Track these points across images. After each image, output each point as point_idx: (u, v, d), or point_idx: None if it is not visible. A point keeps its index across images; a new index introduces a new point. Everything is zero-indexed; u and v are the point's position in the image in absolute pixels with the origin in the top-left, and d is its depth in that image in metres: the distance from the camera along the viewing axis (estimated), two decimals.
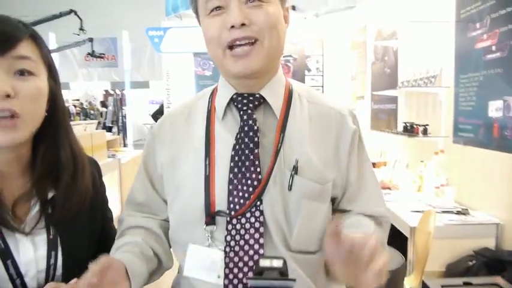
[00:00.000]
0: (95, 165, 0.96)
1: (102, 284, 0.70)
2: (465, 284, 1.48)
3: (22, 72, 0.75)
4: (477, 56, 2.42)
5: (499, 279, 1.69)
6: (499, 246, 2.28)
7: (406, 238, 2.34)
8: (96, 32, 8.50)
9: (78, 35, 7.88)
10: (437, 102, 2.98)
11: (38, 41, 0.80)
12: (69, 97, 11.97)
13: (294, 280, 0.50)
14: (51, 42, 10.23)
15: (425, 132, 3.00)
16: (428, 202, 2.69)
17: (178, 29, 5.86)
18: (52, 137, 0.82)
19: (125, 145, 8.67)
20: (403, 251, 2.14)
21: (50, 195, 0.82)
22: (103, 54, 9.55)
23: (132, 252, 0.86)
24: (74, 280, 0.73)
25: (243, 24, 0.81)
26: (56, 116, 0.83)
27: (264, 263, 0.52)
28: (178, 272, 0.98)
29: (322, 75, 5.88)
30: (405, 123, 3.26)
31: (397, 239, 2.27)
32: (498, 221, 2.31)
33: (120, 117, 11.28)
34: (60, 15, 7.49)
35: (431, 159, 2.94)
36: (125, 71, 10.90)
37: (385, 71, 4.08)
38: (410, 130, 3.14)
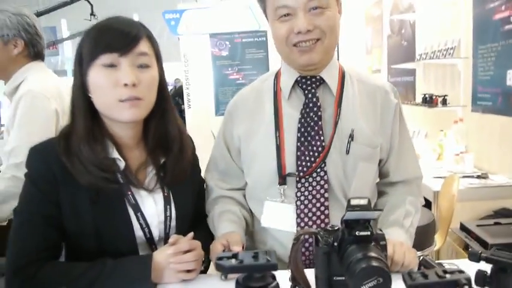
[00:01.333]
0: (190, 139, 1.16)
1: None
2: (495, 223, 1.68)
3: (142, 66, 0.94)
4: (495, 27, 2.54)
5: None
6: None
7: (430, 202, 2.51)
8: (107, 16, 8.63)
9: (90, 20, 8.01)
10: (455, 72, 3.10)
11: (151, 39, 0.99)
12: None
13: (381, 210, 0.68)
14: (64, 29, 10.40)
15: (444, 102, 3.13)
16: (449, 169, 2.85)
17: (194, 10, 5.96)
18: (161, 115, 1.02)
19: None
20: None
21: (162, 161, 1.02)
22: None
23: (235, 222, 1.11)
24: (191, 234, 0.93)
25: (308, 30, 1.01)
26: (164, 98, 1.02)
27: (354, 201, 0.71)
28: (254, 226, 1.19)
29: (338, 50, 5.94)
30: (424, 94, 3.38)
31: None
32: None
33: None
34: (71, 1, 7.62)
35: (450, 128, 3.08)
36: None
37: (402, 43, 4.18)
38: (429, 101, 3.28)
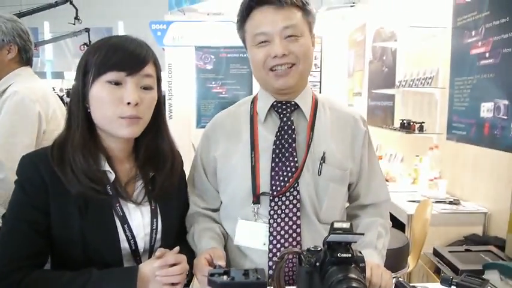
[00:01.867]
0: (179, 155, 1.18)
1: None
2: (466, 250, 1.76)
3: (145, 87, 0.98)
4: (471, 61, 2.67)
5: (492, 248, 1.97)
6: (486, 232, 2.54)
7: (403, 225, 2.59)
8: (91, 21, 8.57)
9: (74, 24, 7.93)
10: (433, 101, 3.22)
11: (156, 62, 1.03)
12: (63, 86, 12.03)
13: (362, 234, 0.72)
14: (46, 32, 10.27)
15: (421, 129, 3.25)
16: (423, 193, 2.95)
17: (181, 23, 6.02)
18: (155, 131, 1.04)
19: None
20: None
21: (151, 175, 1.04)
22: None
23: (216, 240, 1.14)
24: (177, 248, 0.95)
25: (284, 55, 1.08)
26: (160, 116, 1.05)
27: (337, 224, 0.75)
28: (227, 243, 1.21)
29: (320, 71, 6.10)
30: (402, 120, 3.50)
31: (396, 226, 2.52)
32: (486, 211, 2.57)
33: None
34: (56, 4, 7.55)
35: (426, 154, 3.19)
36: None
37: (383, 69, 4.32)
38: (407, 127, 3.39)
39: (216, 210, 1.24)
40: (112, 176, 0.99)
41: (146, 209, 1.04)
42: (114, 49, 0.95)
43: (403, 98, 3.84)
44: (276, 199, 1.10)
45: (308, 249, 0.79)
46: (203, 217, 1.21)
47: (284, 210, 1.10)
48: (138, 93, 0.96)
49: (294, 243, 1.09)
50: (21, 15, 6.95)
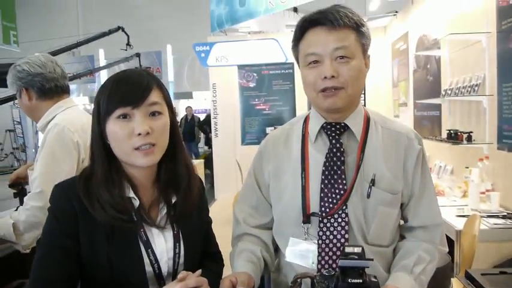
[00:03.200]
0: (199, 179, 1.22)
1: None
2: (501, 272, 1.64)
3: (154, 113, 1.02)
4: None
5: None
6: None
7: (452, 241, 2.46)
8: (141, 46, 9.02)
9: (126, 50, 8.39)
10: (480, 109, 3.07)
11: (161, 87, 1.07)
12: None
13: (371, 259, 0.71)
14: (101, 58, 10.95)
15: (469, 139, 3.09)
16: (473, 207, 2.79)
17: (223, 43, 6.20)
18: (171, 156, 1.09)
19: None
20: (451, 254, 2.27)
21: (173, 200, 1.09)
22: (149, 67, 10.02)
23: (252, 263, 1.15)
24: (199, 271, 0.98)
25: (332, 76, 1.08)
26: (174, 140, 1.09)
27: (348, 249, 0.75)
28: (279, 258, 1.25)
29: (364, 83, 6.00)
30: (449, 130, 3.35)
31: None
32: None
33: None
34: (109, 32, 8.04)
35: (476, 166, 3.03)
36: (169, 82, 11.45)
37: (428, 78, 4.18)
38: (454, 137, 3.24)
39: (268, 226, 1.26)
40: (136, 203, 1.05)
41: (169, 234, 1.08)
42: (116, 87, 1.01)
43: (450, 107, 3.68)
44: (325, 220, 1.11)
45: (321, 274, 0.79)
46: (250, 237, 1.23)
47: (332, 231, 1.11)
48: (147, 121, 1.00)
49: None
50: (78, 44, 7.49)
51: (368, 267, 0.75)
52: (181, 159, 1.11)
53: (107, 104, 1.00)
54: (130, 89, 1.00)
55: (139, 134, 0.98)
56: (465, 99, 3.28)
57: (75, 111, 1.81)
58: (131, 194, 1.04)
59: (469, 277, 1.58)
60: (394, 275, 1.09)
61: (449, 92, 3.48)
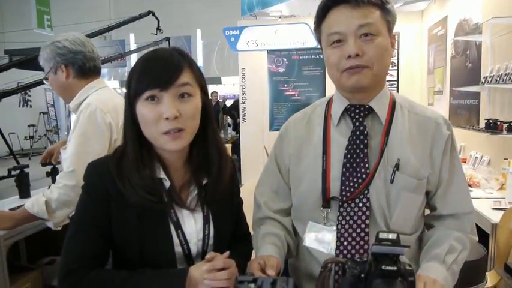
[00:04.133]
0: (231, 161, 1.20)
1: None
2: None
3: (184, 95, 0.99)
4: None
5: None
6: None
7: (487, 234, 2.35)
8: (171, 31, 9.06)
9: (156, 34, 8.46)
10: None
11: (193, 67, 1.03)
12: None
13: (408, 246, 0.67)
14: (131, 43, 11.09)
15: (510, 129, 2.94)
16: (511, 200, 2.65)
17: (253, 27, 6.13)
18: (203, 138, 1.07)
19: None
20: (484, 247, 2.17)
21: (204, 182, 1.08)
22: None
23: (277, 247, 1.13)
24: (227, 253, 0.97)
25: (357, 55, 1.03)
26: (207, 122, 1.07)
27: (383, 235, 0.70)
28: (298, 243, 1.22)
29: (398, 70, 5.81)
30: (488, 119, 3.20)
31: (478, 236, 2.30)
32: None
33: None
34: (140, 16, 8.11)
35: None
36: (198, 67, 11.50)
37: (467, 65, 3.99)
38: (493, 127, 3.09)
39: (288, 212, 1.23)
40: (167, 184, 1.04)
41: (199, 215, 1.08)
42: (146, 67, 0.99)
43: (490, 95, 3.51)
44: (345, 205, 1.08)
45: (352, 260, 0.75)
46: (272, 221, 1.21)
47: (353, 216, 1.07)
48: (176, 104, 0.97)
49: (361, 250, 1.05)
50: (109, 29, 7.60)
51: (403, 254, 0.70)
52: (212, 142, 1.08)
53: (136, 85, 0.99)
54: (160, 69, 0.98)
55: (167, 119, 0.96)
56: (507, 87, 3.10)
57: (107, 91, 1.83)
58: (162, 175, 1.04)
59: (508, 270, 1.51)
60: (425, 264, 1.04)
61: (489, 79, 3.31)
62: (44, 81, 1.96)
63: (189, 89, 1.00)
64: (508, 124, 2.95)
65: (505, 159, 3.02)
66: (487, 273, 1.96)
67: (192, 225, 1.06)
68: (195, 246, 1.06)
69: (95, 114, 1.66)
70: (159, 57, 1.00)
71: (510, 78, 2.99)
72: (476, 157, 3.71)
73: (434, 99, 5.05)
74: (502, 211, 2.34)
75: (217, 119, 10.17)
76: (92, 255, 0.99)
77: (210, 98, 1.11)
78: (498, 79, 3.16)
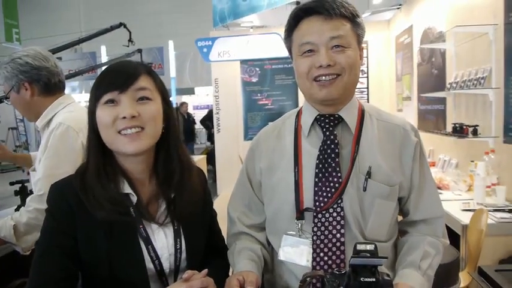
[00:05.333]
0: (201, 173, 1.20)
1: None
2: None
3: (142, 98, 1.00)
4: None
5: None
6: None
7: (458, 235, 2.44)
8: (144, 42, 8.97)
9: (128, 46, 8.35)
10: (487, 103, 3.03)
11: (152, 75, 1.05)
12: None
13: (386, 258, 0.69)
14: (103, 55, 10.92)
15: (475, 132, 3.06)
16: (479, 201, 2.76)
17: (225, 38, 6.16)
18: (166, 149, 1.07)
19: None
20: (456, 248, 2.25)
21: (172, 195, 1.07)
22: (150, 63, 9.97)
23: (255, 261, 1.12)
24: (205, 271, 0.96)
25: (329, 65, 1.05)
26: (169, 132, 1.07)
27: (360, 246, 0.72)
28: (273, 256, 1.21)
29: (368, 77, 5.97)
30: (454, 124, 3.32)
31: (449, 237, 2.38)
32: None
33: None
34: (111, 28, 7.99)
35: (481, 159, 3.00)
36: (171, 78, 11.42)
37: (433, 72, 4.14)
38: (459, 131, 3.21)
39: (262, 226, 1.23)
40: (134, 199, 1.03)
41: (169, 230, 1.06)
42: (105, 73, 1.01)
43: (455, 100, 3.65)
44: (320, 215, 1.08)
45: (331, 272, 0.77)
46: (247, 236, 1.21)
47: (328, 227, 1.07)
48: (134, 106, 0.98)
49: (338, 261, 1.06)
50: (80, 41, 7.46)
51: (381, 265, 0.73)
52: (174, 153, 1.07)
53: (95, 91, 1.00)
54: (117, 74, 1.00)
55: (124, 118, 0.96)
56: (471, 93, 3.24)
57: (77, 108, 1.76)
58: (128, 190, 1.02)
59: (482, 273, 1.56)
60: (402, 271, 1.07)
61: (454, 85, 3.44)
62: (5, 101, 1.83)
63: (148, 93, 1.01)
64: (473, 128, 3.08)
65: (471, 161, 3.14)
66: (460, 273, 2.03)
67: (163, 240, 1.04)
68: (167, 261, 1.03)
69: (67, 133, 1.59)
70: (118, 65, 1.03)
71: (473, 84, 3.12)
72: (445, 160, 3.84)
73: (403, 105, 5.21)
74: (471, 212, 2.44)
75: (191, 131, 10.08)
76: (60, 278, 0.96)
77: (173, 108, 1.11)
78: (462, 85, 3.30)
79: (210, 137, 9.33)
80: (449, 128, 3.58)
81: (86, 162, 1.04)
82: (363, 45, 1.15)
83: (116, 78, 0.99)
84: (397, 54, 5.46)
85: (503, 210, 2.53)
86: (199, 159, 5.66)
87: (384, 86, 5.94)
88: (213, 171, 7.18)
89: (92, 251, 0.99)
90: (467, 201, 2.79)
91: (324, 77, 1.07)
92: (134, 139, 0.98)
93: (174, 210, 1.06)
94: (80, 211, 0.99)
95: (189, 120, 10.08)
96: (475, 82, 3.10)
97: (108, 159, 1.03)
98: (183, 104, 10.31)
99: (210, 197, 1.23)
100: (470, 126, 3.11)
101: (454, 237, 2.42)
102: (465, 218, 2.44)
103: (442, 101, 3.92)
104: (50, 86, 1.69)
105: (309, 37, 1.08)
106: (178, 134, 1.10)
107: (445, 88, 3.69)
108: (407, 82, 4.99)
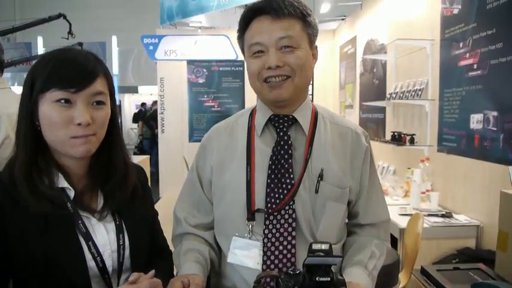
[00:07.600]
0: (141, 170, 1.16)
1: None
2: (455, 268, 1.74)
3: (98, 103, 0.94)
4: (460, 73, 2.67)
5: (481, 265, 1.95)
6: (479, 246, 2.51)
7: (396, 238, 2.55)
8: (85, 36, 8.55)
9: (67, 39, 7.92)
10: (423, 113, 3.22)
11: (107, 75, 0.98)
12: None
13: (341, 257, 0.68)
14: (39, 46, 10.26)
15: (412, 141, 3.23)
16: (415, 206, 2.91)
17: (172, 37, 6.03)
18: (108, 145, 1.01)
19: None
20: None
21: (110, 188, 1.01)
22: None
23: (201, 264, 1.07)
24: (152, 272, 0.91)
25: (278, 66, 1.03)
26: (113, 131, 1.02)
27: (316, 246, 0.71)
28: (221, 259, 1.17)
29: (312, 84, 6.11)
30: (393, 132, 3.49)
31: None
32: (478, 223, 2.54)
33: None
34: (49, 19, 7.53)
35: (417, 166, 3.17)
36: (114, 75, 10.99)
37: (374, 82, 4.33)
38: (398, 139, 3.37)
39: (210, 226, 1.18)
40: (71, 193, 0.96)
41: (110, 225, 1.00)
42: (58, 65, 0.91)
43: (394, 110, 3.83)
44: (271, 217, 1.05)
45: (286, 273, 0.75)
46: (194, 236, 1.16)
47: (279, 229, 1.05)
48: (89, 111, 0.92)
49: (289, 264, 1.04)
50: (14, 30, 6.93)
51: (336, 264, 0.72)
52: (118, 150, 1.03)
53: (44, 81, 0.90)
54: (74, 70, 0.91)
55: (79, 124, 0.90)
56: (409, 103, 3.42)
57: (6, 93, 1.64)
58: (65, 184, 0.95)
59: (425, 273, 1.64)
60: (349, 269, 1.07)
61: (394, 95, 3.62)
62: None
63: (103, 98, 0.95)
64: (410, 136, 3.25)
65: (408, 168, 3.31)
66: (399, 275, 2.11)
67: (104, 236, 0.98)
68: (109, 258, 0.97)
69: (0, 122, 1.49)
70: (73, 58, 0.93)
71: (411, 95, 3.30)
72: (384, 167, 4.02)
73: (346, 113, 5.40)
74: (408, 216, 2.56)
75: None
76: None
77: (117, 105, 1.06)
78: (401, 95, 3.48)
79: (154, 138, 9.07)
80: (388, 136, 3.75)
81: (14, 152, 0.95)
82: (316, 46, 1.15)
83: (72, 73, 0.90)
84: (341, 63, 5.65)
85: (436, 215, 2.69)
86: (142, 159, 5.47)
87: (328, 94, 6.12)
88: (155, 173, 6.99)
89: (24, 248, 0.89)
90: (404, 206, 2.93)
91: (273, 79, 1.05)
92: (84, 143, 0.92)
93: (112, 203, 1.01)
94: (10, 206, 0.89)
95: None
96: (413, 93, 3.28)
97: (41, 152, 0.94)
98: (155, 102, 10.02)
99: (150, 194, 1.18)
100: (407, 135, 3.28)
101: (392, 240, 2.53)
102: (402, 222, 2.55)
103: (382, 110, 4.10)
104: None
105: (258, 38, 1.06)
106: (119, 129, 1.05)
107: (385, 98, 3.87)
108: (350, 91, 5.18)
